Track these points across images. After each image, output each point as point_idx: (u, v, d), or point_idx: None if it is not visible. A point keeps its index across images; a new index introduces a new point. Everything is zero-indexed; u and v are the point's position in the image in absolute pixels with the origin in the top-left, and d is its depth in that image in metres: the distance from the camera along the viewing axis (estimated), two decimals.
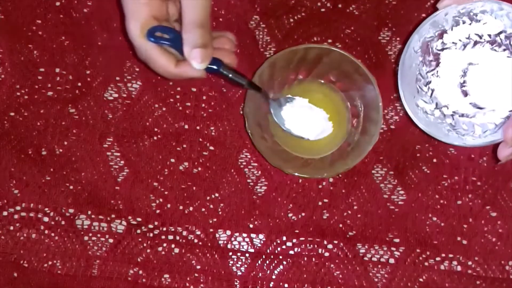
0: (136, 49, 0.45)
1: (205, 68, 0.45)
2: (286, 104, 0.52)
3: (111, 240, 0.54)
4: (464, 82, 0.49)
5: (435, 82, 0.50)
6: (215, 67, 0.45)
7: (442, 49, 0.49)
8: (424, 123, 0.48)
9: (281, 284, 0.53)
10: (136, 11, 0.44)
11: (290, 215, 0.54)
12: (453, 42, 0.49)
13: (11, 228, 0.54)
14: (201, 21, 0.43)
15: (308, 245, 0.54)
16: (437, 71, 0.50)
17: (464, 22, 0.48)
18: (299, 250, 0.54)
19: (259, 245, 0.54)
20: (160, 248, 0.54)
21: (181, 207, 0.55)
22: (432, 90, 0.50)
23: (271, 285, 0.54)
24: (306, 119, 0.53)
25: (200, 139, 0.55)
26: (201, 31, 0.43)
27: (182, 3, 0.43)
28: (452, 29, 0.48)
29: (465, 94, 0.49)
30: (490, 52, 0.48)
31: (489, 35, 0.48)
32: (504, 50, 0.48)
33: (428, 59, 0.49)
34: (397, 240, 0.54)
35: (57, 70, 0.56)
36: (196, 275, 0.54)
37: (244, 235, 0.54)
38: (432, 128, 0.48)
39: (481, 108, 0.49)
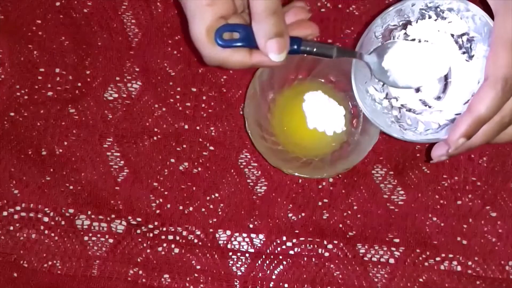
0: (205, 57, 0.42)
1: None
2: (388, 51, 0.47)
3: (111, 240, 0.54)
4: None
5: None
6: (295, 47, 0.41)
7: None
8: (369, 110, 0.47)
9: (281, 284, 0.53)
10: (199, 14, 0.40)
11: (290, 215, 0.54)
12: (417, 39, 0.48)
13: (11, 228, 0.54)
14: (272, 7, 0.39)
15: (308, 245, 0.54)
16: None
17: (430, 17, 0.47)
18: (299, 250, 0.54)
19: (259, 245, 0.54)
20: (160, 248, 0.54)
21: (181, 207, 0.55)
22: None
23: (271, 285, 0.54)
24: (413, 61, 0.47)
25: (200, 139, 0.55)
26: (274, 19, 0.39)
27: None
28: (417, 22, 0.47)
29: (417, 90, 0.49)
30: (450, 53, 0.48)
31: (452, 35, 0.47)
32: (464, 53, 0.47)
33: None
34: (397, 240, 0.54)
35: (57, 70, 0.56)
36: (196, 275, 0.54)
37: (244, 235, 0.54)
38: (376, 116, 0.47)
39: (429, 107, 0.48)
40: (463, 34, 0.47)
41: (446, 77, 0.48)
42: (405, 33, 0.48)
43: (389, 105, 0.49)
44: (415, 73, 0.47)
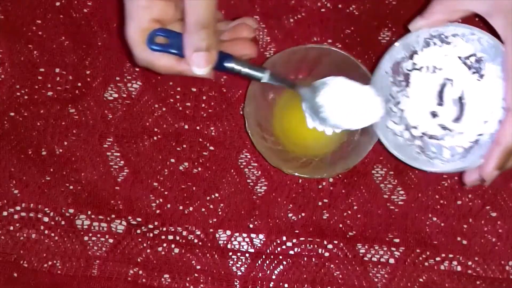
0: (135, 57, 0.43)
1: (214, 67, 0.41)
2: (325, 87, 0.46)
3: (111, 240, 0.54)
4: (440, 101, 0.49)
5: (405, 102, 0.50)
6: (224, 64, 0.41)
7: (412, 69, 0.49)
8: (393, 145, 0.48)
9: (281, 284, 0.53)
10: (136, 15, 0.41)
11: (290, 215, 0.54)
12: (426, 67, 0.49)
13: (11, 228, 0.54)
14: (204, 21, 0.39)
15: (308, 245, 0.54)
16: (407, 91, 0.50)
17: (435, 44, 0.48)
18: (299, 250, 0.54)
19: (259, 245, 0.54)
20: (160, 248, 0.54)
21: (181, 207, 0.55)
22: (402, 111, 0.50)
23: (271, 285, 0.54)
24: (349, 101, 0.46)
25: (200, 139, 0.55)
26: (204, 32, 0.39)
27: (185, 2, 0.39)
28: (422, 50, 0.49)
29: (434, 115, 0.49)
30: (462, 73, 0.48)
31: (459, 57, 0.48)
32: (474, 73, 0.48)
33: (398, 79, 0.50)
34: (397, 240, 0.54)
35: (57, 70, 0.56)
36: (196, 275, 0.54)
37: (244, 235, 0.54)
38: (401, 150, 0.48)
39: (450, 130, 0.49)
40: (470, 55, 0.48)
41: (460, 99, 0.49)
42: (413, 63, 0.49)
43: (410, 136, 0.50)
44: (348, 114, 0.47)
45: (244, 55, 0.44)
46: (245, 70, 0.42)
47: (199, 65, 0.40)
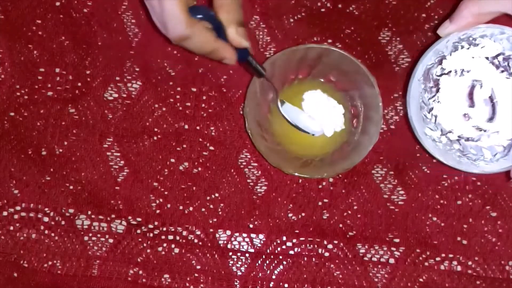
0: (172, 31, 0.42)
1: (238, 55, 0.45)
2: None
3: (111, 240, 0.54)
4: (471, 103, 0.50)
5: (437, 107, 0.50)
6: (247, 58, 0.46)
7: (441, 75, 0.50)
8: (436, 152, 0.49)
9: (281, 284, 0.53)
10: None
11: (290, 215, 0.54)
12: (454, 70, 0.50)
13: (11, 228, 0.54)
14: (238, 2, 0.43)
15: (308, 245, 0.54)
16: (438, 97, 0.50)
17: (462, 47, 0.49)
18: (299, 250, 0.54)
19: (259, 245, 0.54)
20: (160, 248, 0.54)
21: (181, 207, 0.55)
22: (435, 117, 0.50)
23: (271, 285, 0.54)
24: (319, 111, 0.53)
25: (200, 139, 0.55)
26: (240, 11, 0.43)
27: None
28: (450, 55, 0.49)
29: (467, 117, 0.50)
30: (490, 73, 0.49)
31: (487, 58, 0.48)
32: (502, 71, 0.48)
33: (429, 86, 0.50)
34: (397, 240, 0.54)
35: (57, 70, 0.56)
36: (196, 275, 0.54)
37: (244, 235, 0.54)
38: (444, 156, 0.48)
39: (484, 131, 0.49)
40: (498, 55, 0.48)
41: (491, 98, 0.49)
42: (442, 68, 0.50)
43: (448, 141, 0.50)
44: (316, 120, 0.53)
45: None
46: (256, 65, 0.48)
47: (245, 37, 0.44)
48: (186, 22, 0.41)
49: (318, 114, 0.54)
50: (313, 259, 0.54)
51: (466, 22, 0.47)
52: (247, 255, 0.54)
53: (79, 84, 0.56)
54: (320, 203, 0.54)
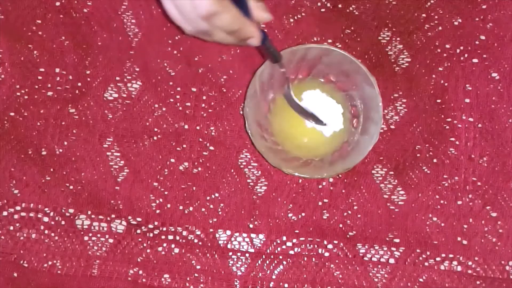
0: (201, 4, 0.39)
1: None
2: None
3: (111, 240, 0.54)
4: None
5: None
6: (265, 41, 0.45)
7: None
8: None
9: (281, 284, 0.53)
10: None
11: (290, 215, 0.54)
12: None
13: (11, 228, 0.54)
14: None
15: (308, 245, 0.54)
16: None
17: None
18: (299, 250, 0.54)
19: (259, 245, 0.54)
20: (160, 248, 0.54)
21: (181, 207, 0.55)
22: None
23: (271, 285, 0.54)
24: (318, 111, 0.54)
25: (200, 139, 0.55)
26: None
27: None
28: None
29: None
30: None
31: None
32: None
33: None
34: (397, 240, 0.54)
35: (57, 70, 0.56)
36: (196, 275, 0.54)
37: (244, 235, 0.54)
38: None
39: None
40: None
41: None
42: None
43: None
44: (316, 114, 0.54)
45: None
46: (273, 50, 0.47)
47: (266, 10, 0.43)
48: (207, 2, 0.39)
49: (316, 113, 0.54)
50: (313, 259, 0.54)
51: None
52: (247, 255, 0.54)
53: (79, 84, 0.56)
54: (320, 203, 0.54)
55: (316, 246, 0.54)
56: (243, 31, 0.42)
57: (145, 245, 0.54)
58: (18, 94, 0.56)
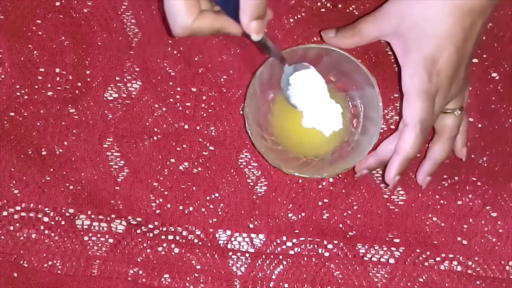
0: (176, 27, 0.41)
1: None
2: (301, 70, 0.51)
3: (111, 240, 0.54)
4: None
5: None
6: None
7: None
8: None
9: (281, 284, 0.53)
10: None
11: (290, 215, 0.54)
12: None
13: (11, 228, 0.54)
14: None
15: (308, 245, 0.54)
16: None
17: None
18: (299, 250, 0.54)
19: (259, 245, 0.54)
20: (160, 248, 0.54)
21: (181, 207, 0.55)
22: None
23: (271, 285, 0.54)
24: (313, 90, 0.52)
25: (200, 139, 0.55)
26: (261, 1, 0.40)
27: None
28: None
29: None
30: None
31: None
32: None
33: None
34: (397, 240, 0.54)
35: (57, 70, 0.56)
36: (196, 275, 0.54)
37: (244, 235, 0.54)
38: None
39: None
40: None
41: None
42: None
43: None
44: (307, 98, 0.52)
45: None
46: (270, 45, 0.46)
47: (258, 31, 0.42)
48: (189, 14, 0.40)
49: (315, 113, 0.53)
50: (313, 259, 0.54)
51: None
52: (247, 255, 0.54)
53: (79, 84, 0.56)
54: (320, 203, 0.54)
55: (316, 246, 0.54)
56: (223, 30, 0.43)
57: (145, 245, 0.54)
58: (18, 94, 0.56)
